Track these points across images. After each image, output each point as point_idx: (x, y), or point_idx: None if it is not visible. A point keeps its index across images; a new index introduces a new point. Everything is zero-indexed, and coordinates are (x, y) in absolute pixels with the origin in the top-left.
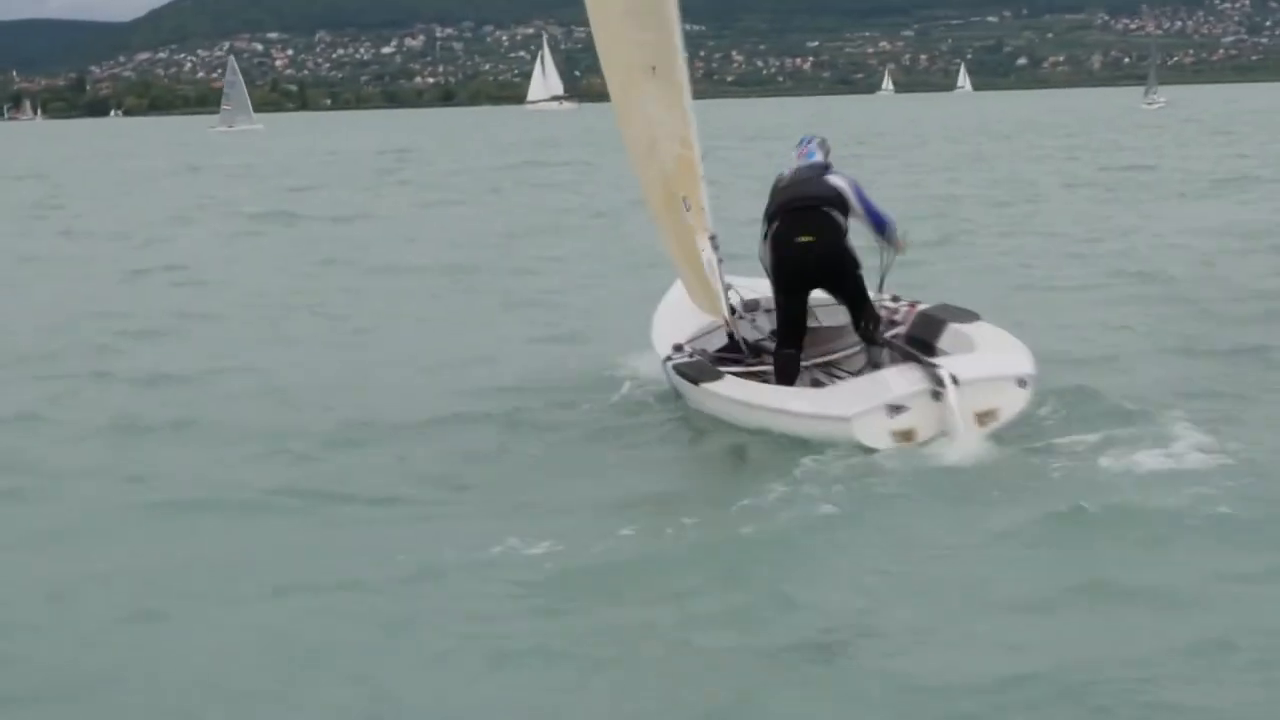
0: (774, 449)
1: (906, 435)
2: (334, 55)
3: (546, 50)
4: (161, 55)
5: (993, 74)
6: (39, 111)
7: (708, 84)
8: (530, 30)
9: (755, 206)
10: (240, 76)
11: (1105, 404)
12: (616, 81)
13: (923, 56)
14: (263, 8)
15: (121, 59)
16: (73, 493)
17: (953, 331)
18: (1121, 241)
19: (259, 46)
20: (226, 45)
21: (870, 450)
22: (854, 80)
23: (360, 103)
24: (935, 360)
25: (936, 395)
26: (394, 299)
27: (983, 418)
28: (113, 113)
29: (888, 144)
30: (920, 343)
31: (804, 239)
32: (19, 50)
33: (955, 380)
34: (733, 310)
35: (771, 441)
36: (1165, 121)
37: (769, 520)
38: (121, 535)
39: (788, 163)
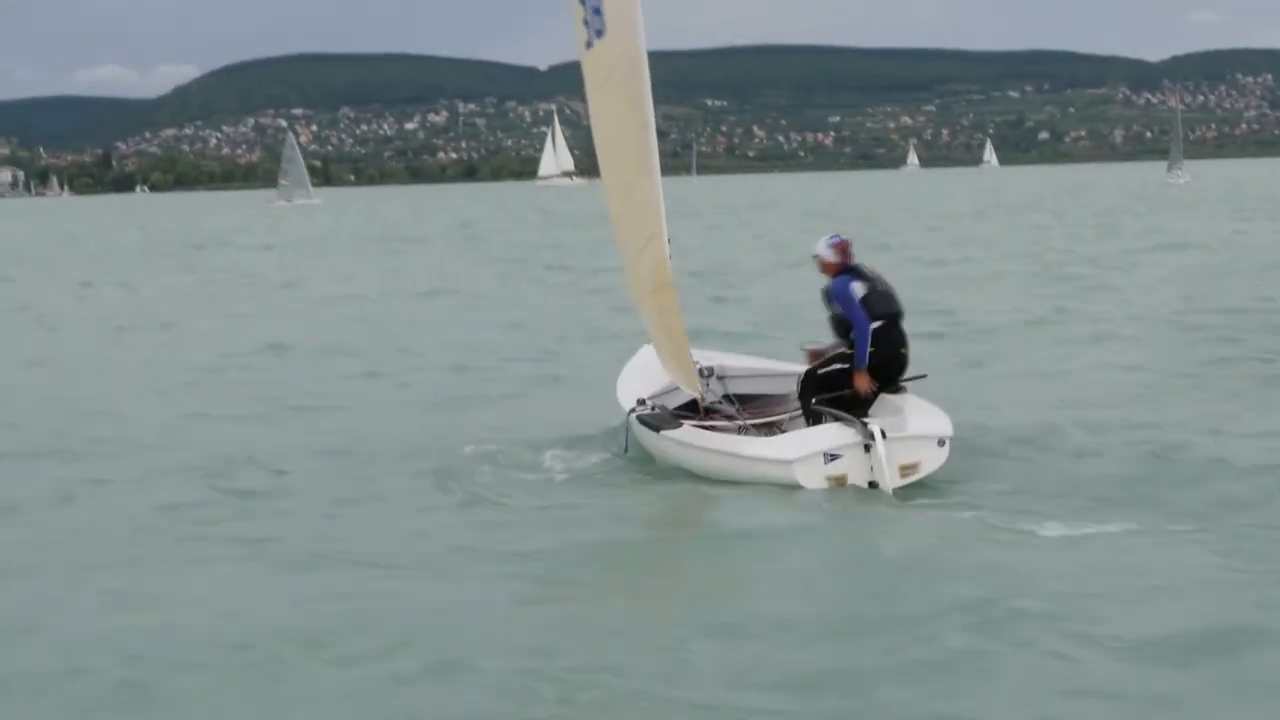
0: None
1: (839, 480)
2: (357, 131)
3: (557, 126)
4: (187, 131)
5: (1014, 148)
6: (66, 187)
7: (729, 159)
8: (552, 106)
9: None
10: (298, 152)
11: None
12: (615, 174)
13: (944, 131)
14: (287, 84)
15: (147, 135)
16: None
17: (883, 399)
18: None
19: (283, 122)
20: (251, 121)
21: (807, 491)
22: (875, 155)
23: (383, 178)
24: (867, 419)
25: (867, 448)
26: None
27: (905, 470)
28: (138, 188)
29: (976, 224)
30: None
31: (904, 351)
32: (46, 127)
33: (884, 435)
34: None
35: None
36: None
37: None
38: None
39: (821, 250)
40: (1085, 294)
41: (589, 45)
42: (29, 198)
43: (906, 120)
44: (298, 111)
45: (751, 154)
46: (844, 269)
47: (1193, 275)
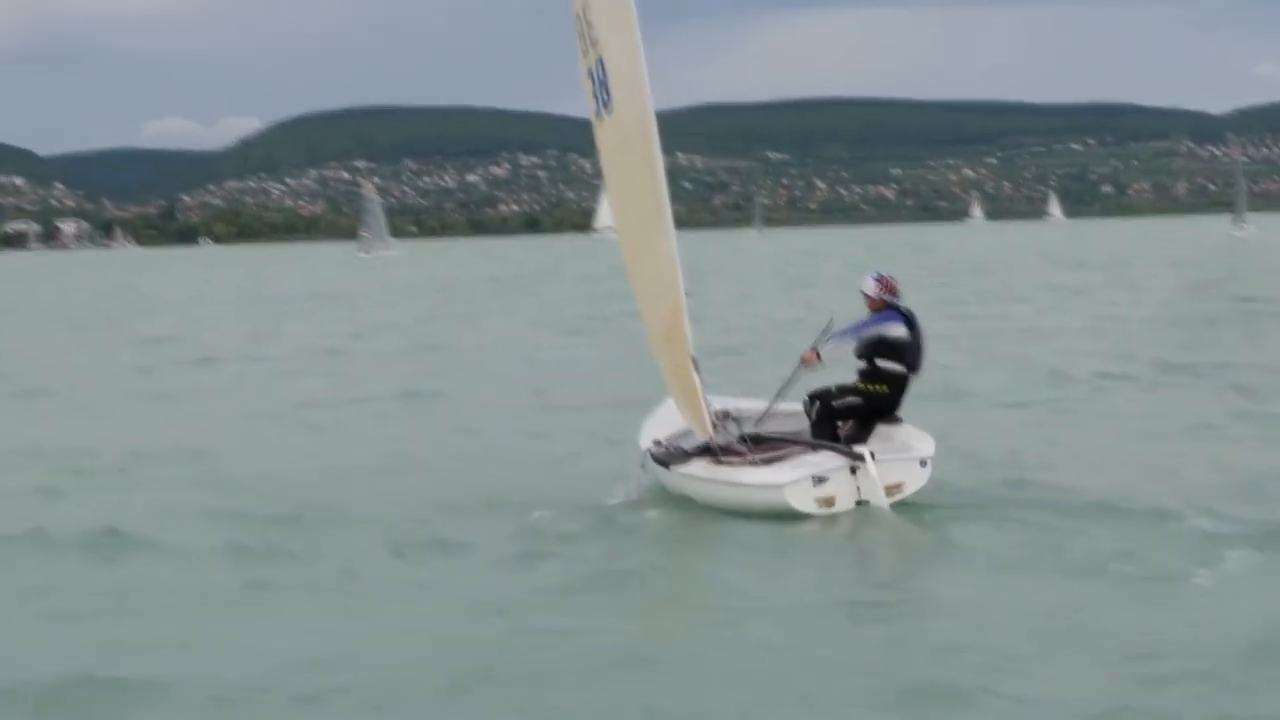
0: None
1: (828, 501)
2: (420, 183)
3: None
4: (250, 183)
5: (1077, 201)
6: (130, 240)
7: (790, 211)
8: None
9: None
10: (378, 205)
11: None
12: (630, 235)
13: (1006, 184)
14: (350, 137)
15: (211, 187)
16: None
17: (878, 427)
18: None
19: (345, 175)
20: (314, 173)
21: (800, 515)
22: (937, 207)
23: (445, 230)
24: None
25: (854, 470)
26: None
27: (891, 489)
28: (201, 240)
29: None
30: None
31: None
32: (111, 179)
33: (872, 456)
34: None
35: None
36: None
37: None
38: None
39: (867, 287)
40: None
41: (598, 117)
42: (94, 249)
43: (969, 173)
44: (360, 164)
45: (813, 207)
46: (888, 306)
47: None
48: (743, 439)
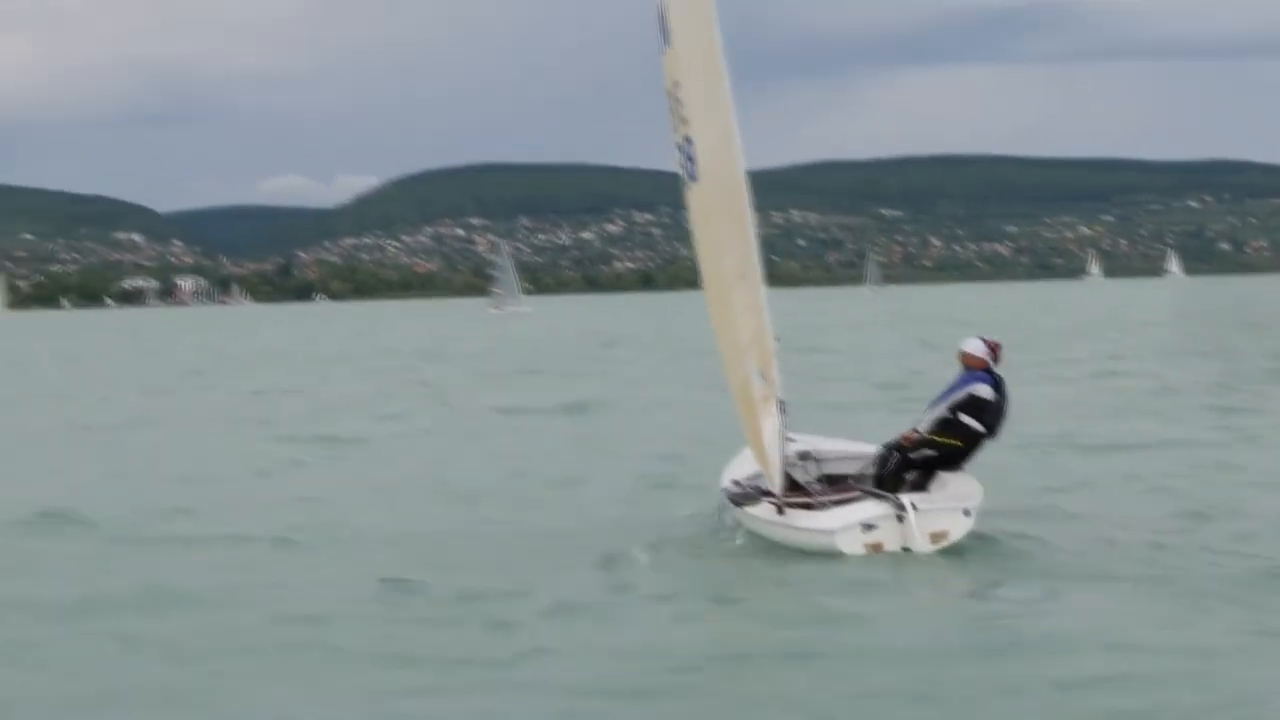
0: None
1: (876, 547)
2: (535, 240)
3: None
4: (366, 240)
5: (1194, 258)
6: (247, 296)
7: (905, 268)
8: None
9: None
10: (510, 262)
11: None
12: (712, 287)
13: (1122, 241)
14: (465, 194)
15: (327, 244)
16: None
17: (939, 475)
18: None
19: (461, 232)
20: (429, 230)
21: (847, 557)
22: (1053, 265)
23: (559, 287)
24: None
25: (900, 518)
26: None
27: (936, 537)
28: (316, 296)
29: None
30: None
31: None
32: (228, 236)
33: (915, 507)
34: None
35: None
36: None
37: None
38: None
39: (970, 346)
40: None
41: (686, 185)
42: (211, 305)
43: (1084, 230)
44: (476, 221)
45: (928, 264)
46: (985, 368)
47: None
48: (821, 479)
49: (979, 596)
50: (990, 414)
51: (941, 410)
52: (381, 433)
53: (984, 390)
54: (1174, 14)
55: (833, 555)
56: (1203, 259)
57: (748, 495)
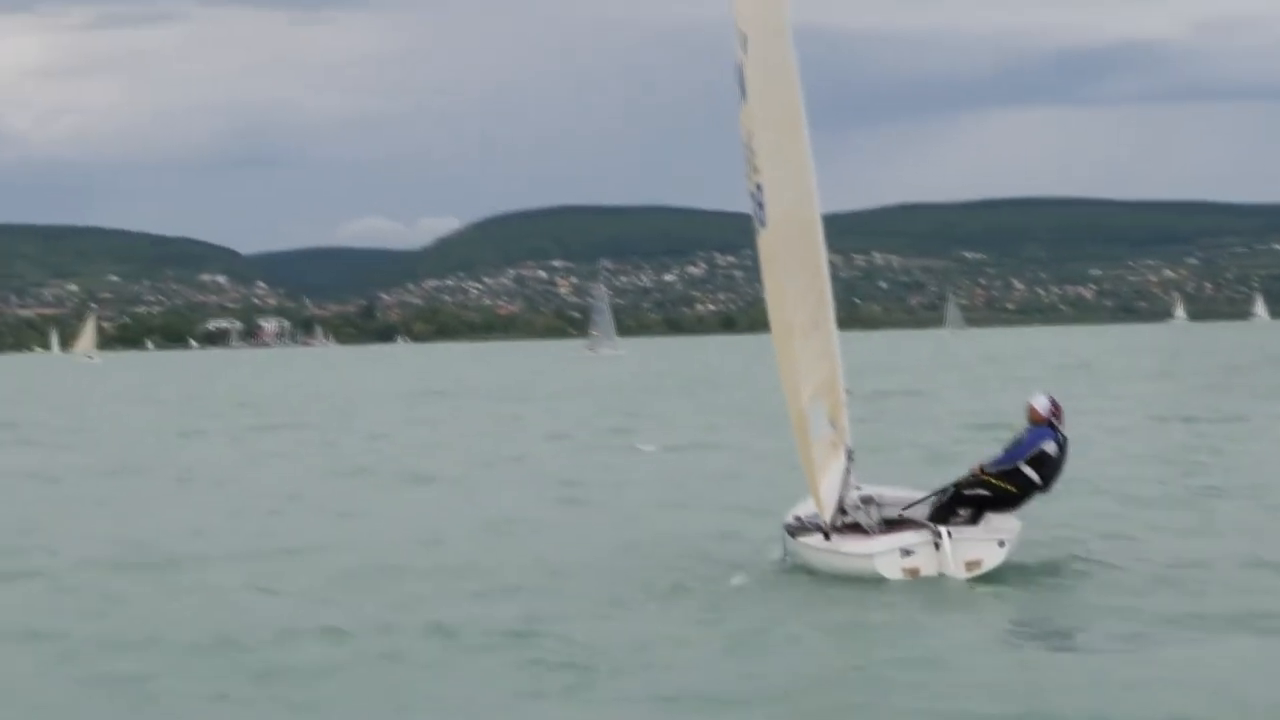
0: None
1: (913, 572)
2: (617, 282)
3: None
4: (448, 282)
5: (1279, 301)
6: (330, 337)
7: (988, 311)
8: None
9: None
10: (607, 304)
11: None
12: (778, 328)
13: (1207, 284)
14: (547, 237)
15: (410, 286)
16: None
17: (988, 515)
18: None
19: (543, 274)
20: (512, 273)
21: (887, 580)
22: (1137, 308)
23: (641, 329)
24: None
25: (937, 545)
26: None
27: (970, 565)
28: (399, 338)
29: None
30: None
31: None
32: (311, 277)
33: (950, 535)
34: (843, 509)
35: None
36: None
37: None
38: None
39: (1037, 402)
40: None
41: (756, 231)
42: (294, 347)
43: (1169, 273)
44: (558, 263)
45: (1011, 307)
46: (1048, 424)
47: None
48: (882, 522)
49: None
50: (1049, 469)
51: (1007, 458)
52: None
53: (1050, 446)
54: (1259, 55)
55: (873, 579)
56: None
57: (803, 527)
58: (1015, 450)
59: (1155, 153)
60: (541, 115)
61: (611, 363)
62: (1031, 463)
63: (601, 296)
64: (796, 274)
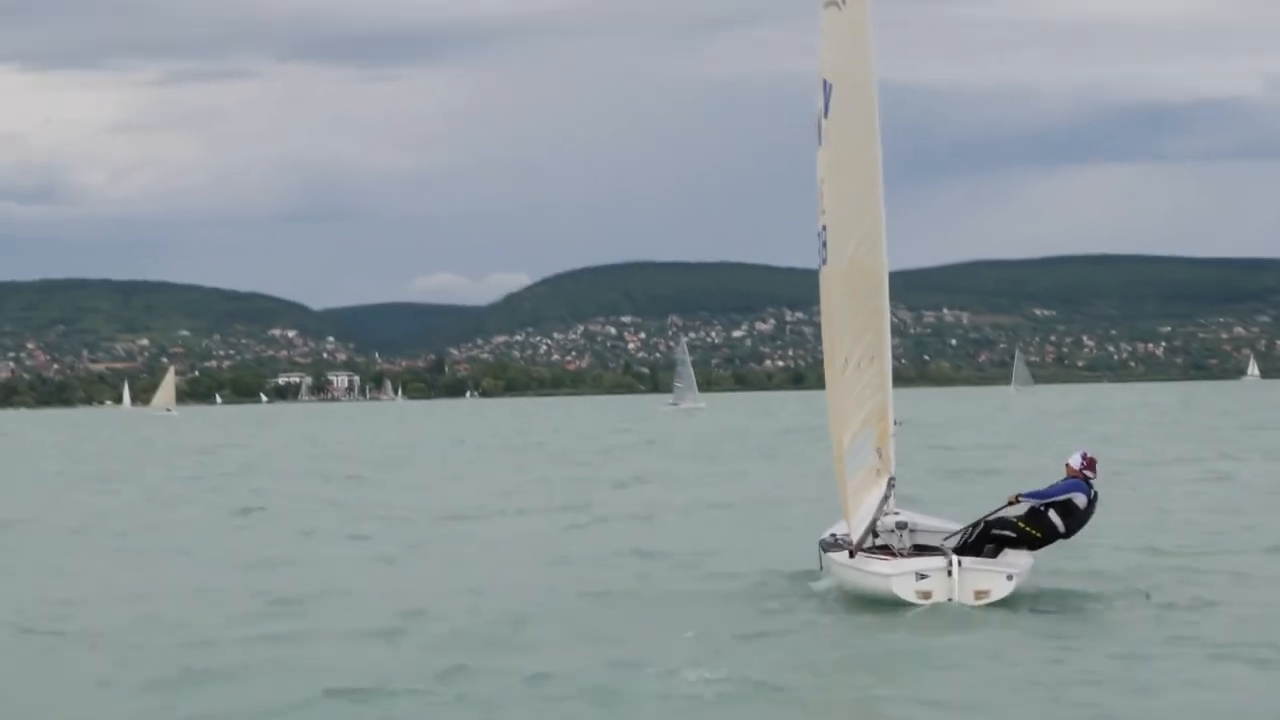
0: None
1: (926, 594)
2: (685, 338)
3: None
4: (518, 338)
5: None
6: (399, 392)
7: (1058, 368)
8: None
9: None
10: (689, 357)
11: None
12: (832, 363)
13: (1278, 342)
14: (617, 292)
15: (479, 341)
16: None
17: (1006, 551)
18: None
19: (612, 330)
20: (581, 328)
21: (903, 601)
22: (1208, 366)
23: (710, 385)
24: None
25: (949, 572)
26: None
27: (979, 594)
28: (469, 394)
29: None
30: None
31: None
32: (381, 333)
33: (960, 564)
34: (875, 532)
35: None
36: None
37: None
38: None
39: (1073, 459)
40: None
41: (820, 268)
42: (363, 402)
43: (1240, 330)
44: (627, 319)
45: (1081, 364)
46: (1082, 477)
47: None
48: (914, 547)
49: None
50: (1076, 519)
51: (1039, 503)
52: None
53: (1080, 499)
54: None
55: (889, 598)
56: None
57: (836, 545)
58: (1047, 491)
59: (1226, 209)
60: (611, 171)
61: (695, 416)
62: (1060, 511)
63: (683, 351)
64: (858, 310)
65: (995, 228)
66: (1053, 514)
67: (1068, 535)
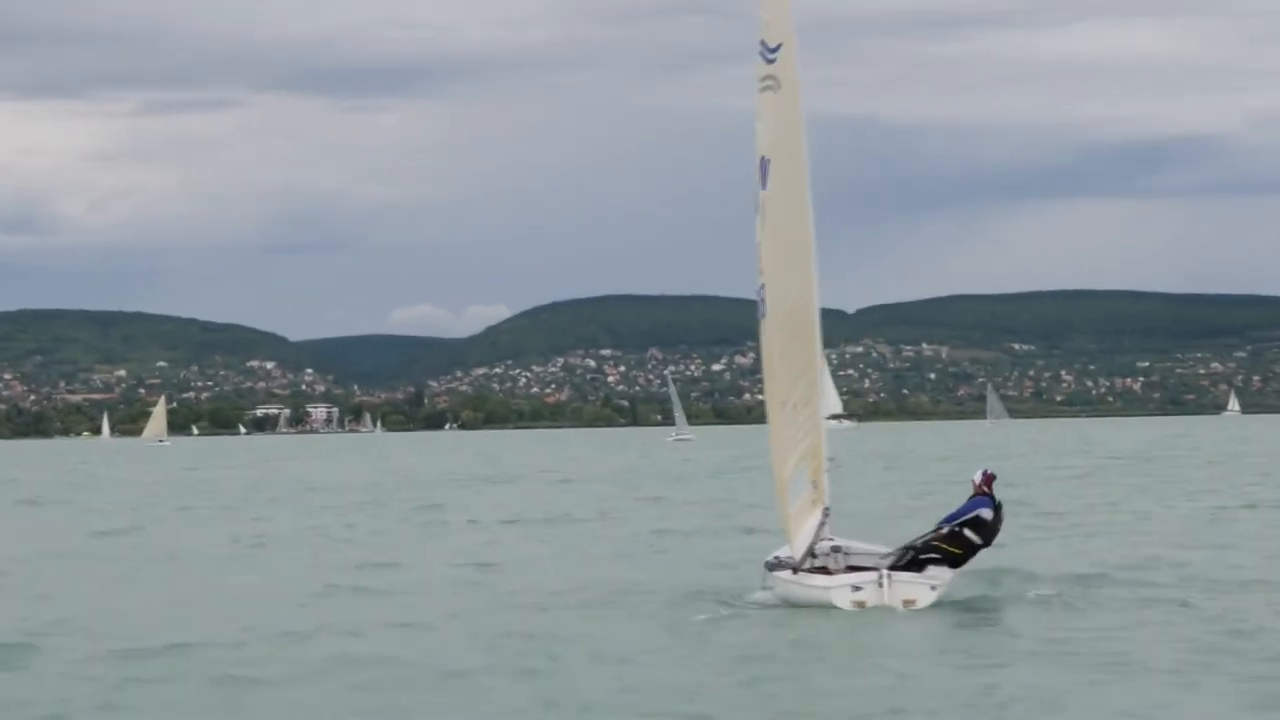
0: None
1: (860, 604)
2: (665, 372)
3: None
4: (497, 370)
5: None
6: (378, 424)
7: (1036, 403)
8: (859, 349)
9: None
10: (675, 392)
11: None
12: (774, 406)
13: (1255, 378)
14: (596, 325)
15: (458, 374)
16: None
17: (930, 566)
18: None
19: (591, 363)
20: (560, 361)
21: (839, 609)
22: (1184, 401)
23: (690, 419)
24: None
25: (880, 584)
26: None
27: (906, 602)
28: (447, 425)
29: None
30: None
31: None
32: (360, 365)
33: (890, 578)
34: (814, 553)
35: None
36: None
37: None
38: None
39: (976, 477)
40: None
41: (759, 321)
42: (342, 434)
43: (1217, 366)
44: (606, 352)
45: (1059, 399)
46: (985, 494)
47: None
48: (845, 569)
49: None
50: (987, 531)
51: (952, 526)
52: None
53: (986, 512)
54: None
55: (829, 607)
56: None
57: (779, 564)
58: (957, 513)
59: (1204, 245)
60: (591, 204)
61: (690, 448)
62: (972, 527)
63: (671, 385)
64: (794, 359)
65: (975, 263)
66: (967, 531)
67: (986, 545)
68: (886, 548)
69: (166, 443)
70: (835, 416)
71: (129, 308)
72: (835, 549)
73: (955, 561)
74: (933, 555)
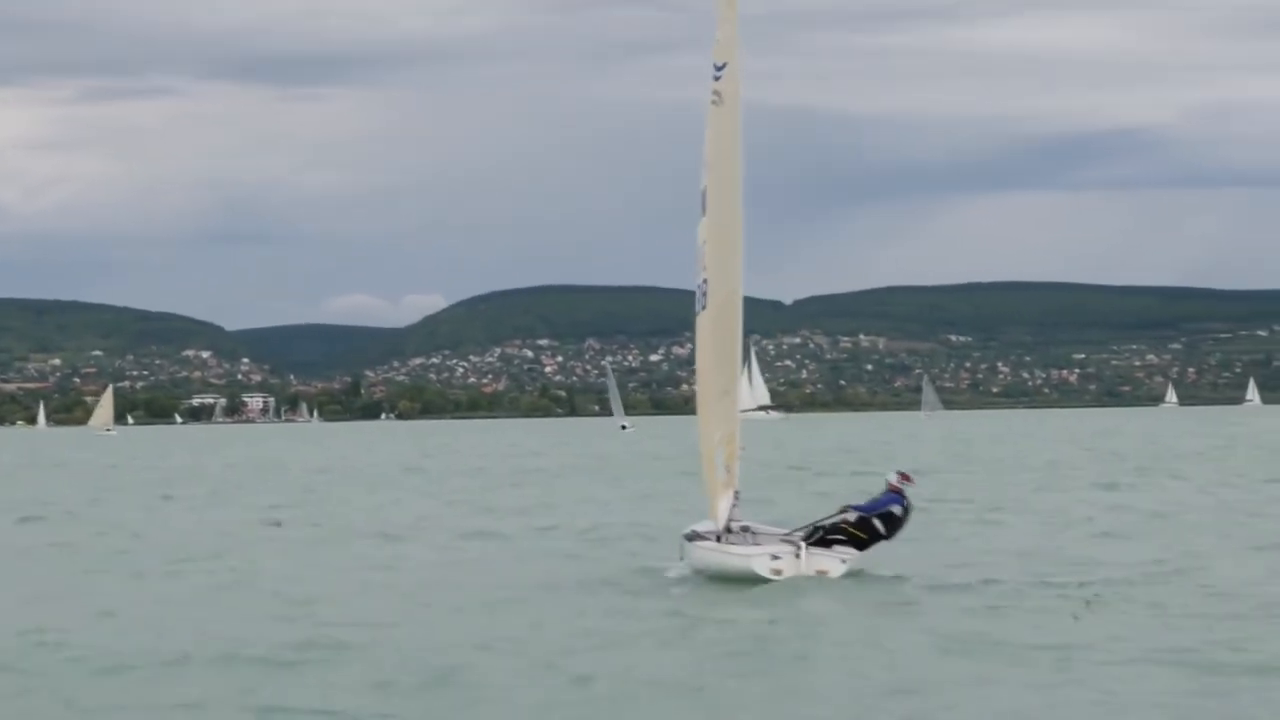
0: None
1: (778, 571)
2: (603, 362)
3: (754, 359)
4: (434, 360)
5: (1263, 387)
6: (315, 414)
7: (972, 395)
8: (797, 340)
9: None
10: (615, 384)
11: None
12: (704, 392)
13: (1190, 370)
14: (533, 315)
15: (395, 364)
16: None
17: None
18: None
19: (529, 353)
20: (497, 351)
21: (760, 579)
22: (1120, 393)
23: (627, 409)
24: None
25: (797, 555)
26: None
27: (820, 572)
28: (384, 415)
29: None
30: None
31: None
32: (296, 354)
33: (805, 550)
34: (729, 529)
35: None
36: None
37: None
38: None
39: (890, 476)
40: None
41: (697, 314)
42: (278, 423)
43: (1152, 358)
44: (543, 342)
45: (995, 390)
46: (898, 490)
47: None
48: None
49: None
50: (894, 525)
51: (864, 513)
52: None
53: (897, 509)
54: (1246, 142)
55: (749, 575)
56: (1271, 388)
57: (698, 536)
58: (869, 505)
59: (1140, 238)
60: (529, 194)
61: (633, 438)
62: (881, 519)
63: (610, 376)
64: (722, 350)
65: (912, 254)
66: (876, 521)
67: (888, 537)
68: (786, 528)
69: (113, 431)
70: (764, 408)
71: (64, 296)
72: (744, 529)
73: (860, 545)
74: (839, 537)
